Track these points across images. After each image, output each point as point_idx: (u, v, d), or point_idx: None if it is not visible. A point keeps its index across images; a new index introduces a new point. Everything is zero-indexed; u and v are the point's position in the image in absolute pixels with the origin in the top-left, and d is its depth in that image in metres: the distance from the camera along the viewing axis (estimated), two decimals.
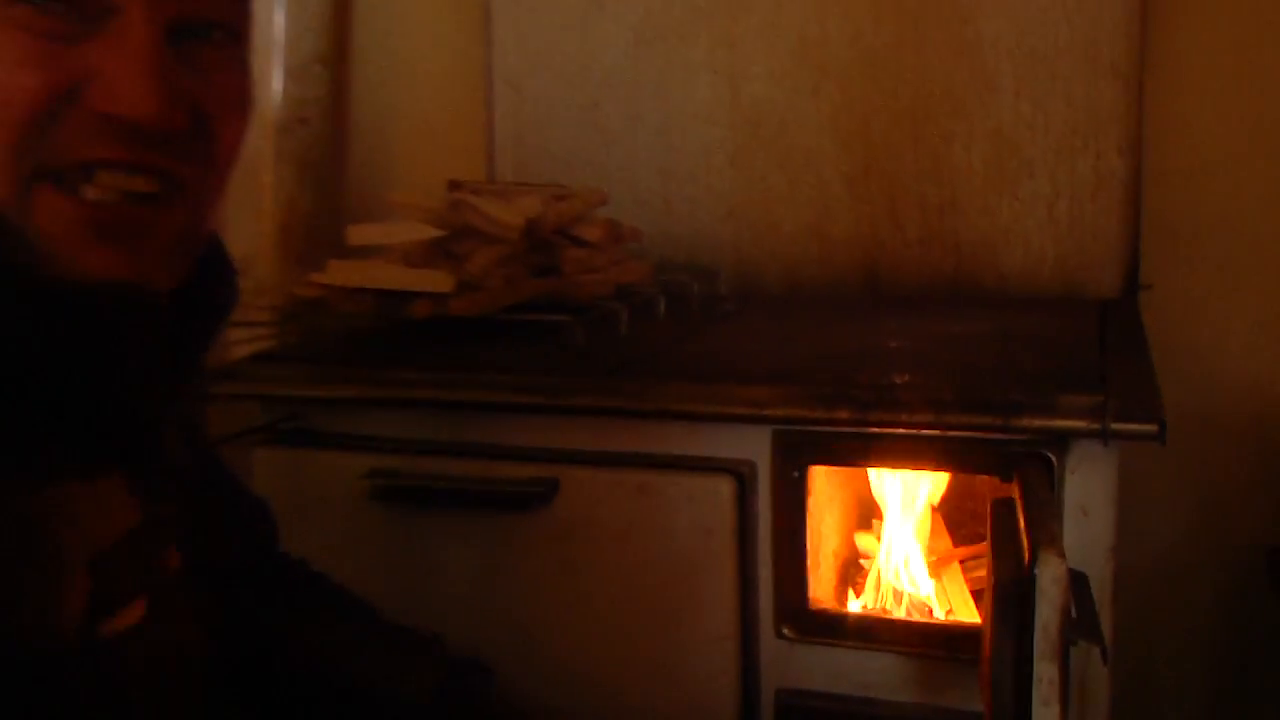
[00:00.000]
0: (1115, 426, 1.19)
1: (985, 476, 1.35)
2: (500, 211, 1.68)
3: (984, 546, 1.40)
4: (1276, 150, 1.89)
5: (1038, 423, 1.23)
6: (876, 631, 1.39)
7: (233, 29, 0.87)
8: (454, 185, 1.80)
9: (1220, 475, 1.93)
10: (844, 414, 1.31)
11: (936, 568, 1.53)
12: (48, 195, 0.80)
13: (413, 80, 2.48)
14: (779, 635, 1.40)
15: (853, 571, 1.58)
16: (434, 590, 1.50)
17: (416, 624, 1.29)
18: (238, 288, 1.02)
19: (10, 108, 0.77)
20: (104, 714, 0.85)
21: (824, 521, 1.47)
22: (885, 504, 1.53)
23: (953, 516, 1.61)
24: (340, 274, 1.69)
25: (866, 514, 1.60)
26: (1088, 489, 1.27)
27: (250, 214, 2.23)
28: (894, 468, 1.46)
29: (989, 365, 1.46)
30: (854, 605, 1.52)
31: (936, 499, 1.54)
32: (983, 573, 1.43)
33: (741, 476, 1.39)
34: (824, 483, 1.46)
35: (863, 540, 1.56)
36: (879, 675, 1.37)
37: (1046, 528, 1.06)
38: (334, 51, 2.34)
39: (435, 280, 1.61)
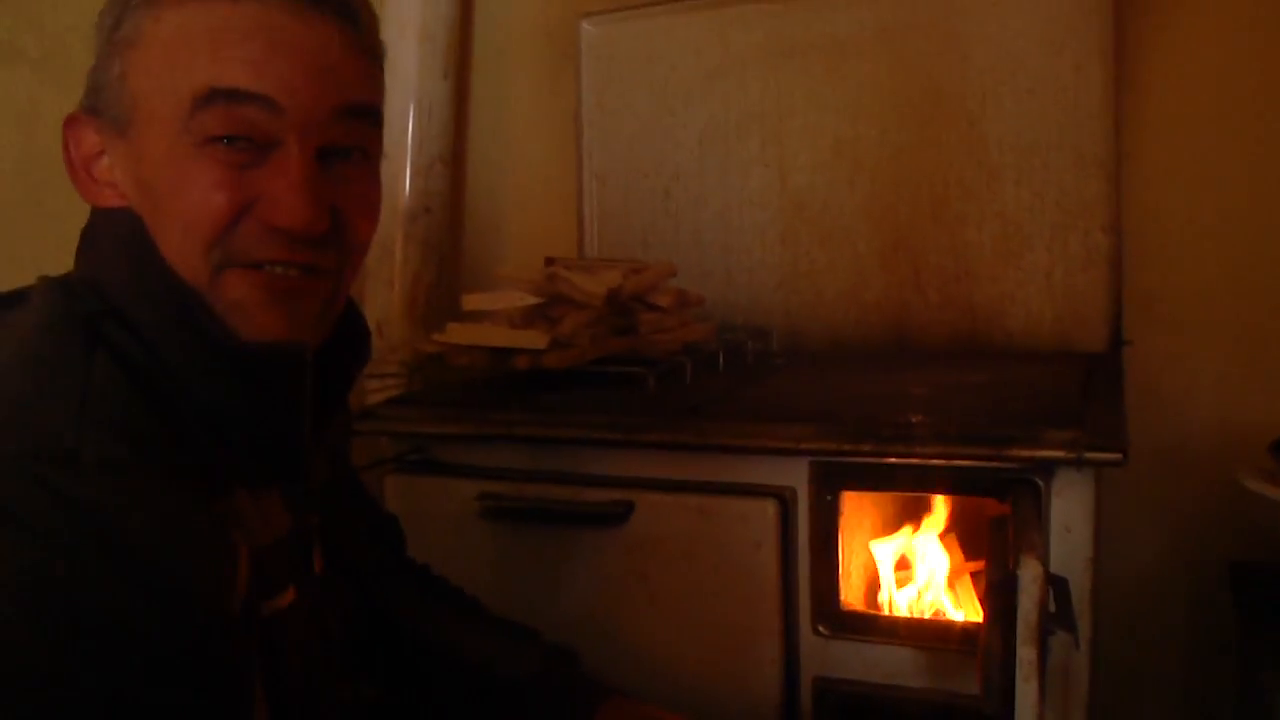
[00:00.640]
0: (1088, 455, 1.20)
1: (986, 499, 1.35)
2: (587, 282, 1.70)
3: None
4: (1236, 231, 1.89)
5: (1025, 453, 1.24)
6: (898, 629, 1.38)
7: (367, 151, 0.94)
8: (549, 261, 1.82)
9: (1190, 501, 1.92)
10: (868, 447, 1.33)
11: (951, 578, 1.52)
12: (235, 274, 0.88)
13: (516, 175, 2.49)
14: (815, 632, 1.40)
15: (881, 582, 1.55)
16: (531, 592, 1.51)
17: (517, 619, 1.32)
18: (371, 345, 1.08)
19: (206, 219, 0.86)
20: (265, 675, 0.90)
21: (854, 537, 1.47)
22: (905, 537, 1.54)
23: (966, 537, 1.59)
24: (457, 334, 1.71)
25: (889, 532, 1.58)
26: (1069, 509, 1.27)
27: (384, 286, 2.23)
28: (911, 492, 1.46)
29: (989, 407, 1.46)
30: (880, 607, 1.51)
31: (941, 525, 1.54)
32: None
33: (784, 500, 1.40)
34: (855, 506, 1.46)
35: (878, 549, 1.54)
36: (900, 665, 1.36)
37: (1029, 538, 1.08)
38: (452, 153, 2.36)
39: (534, 339, 1.63)
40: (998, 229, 1.99)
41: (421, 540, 1.37)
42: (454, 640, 1.26)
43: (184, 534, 0.79)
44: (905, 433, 1.32)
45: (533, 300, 1.71)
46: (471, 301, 1.78)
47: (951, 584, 1.53)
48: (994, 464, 1.28)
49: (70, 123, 0.94)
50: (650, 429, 1.46)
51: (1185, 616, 1.96)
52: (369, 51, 0.94)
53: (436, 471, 1.61)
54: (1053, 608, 1.09)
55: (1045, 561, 1.07)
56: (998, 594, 1.08)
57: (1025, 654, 1.01)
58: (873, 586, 1.53)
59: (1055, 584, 1.15)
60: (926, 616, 1.48)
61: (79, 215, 0.97)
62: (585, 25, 2.32)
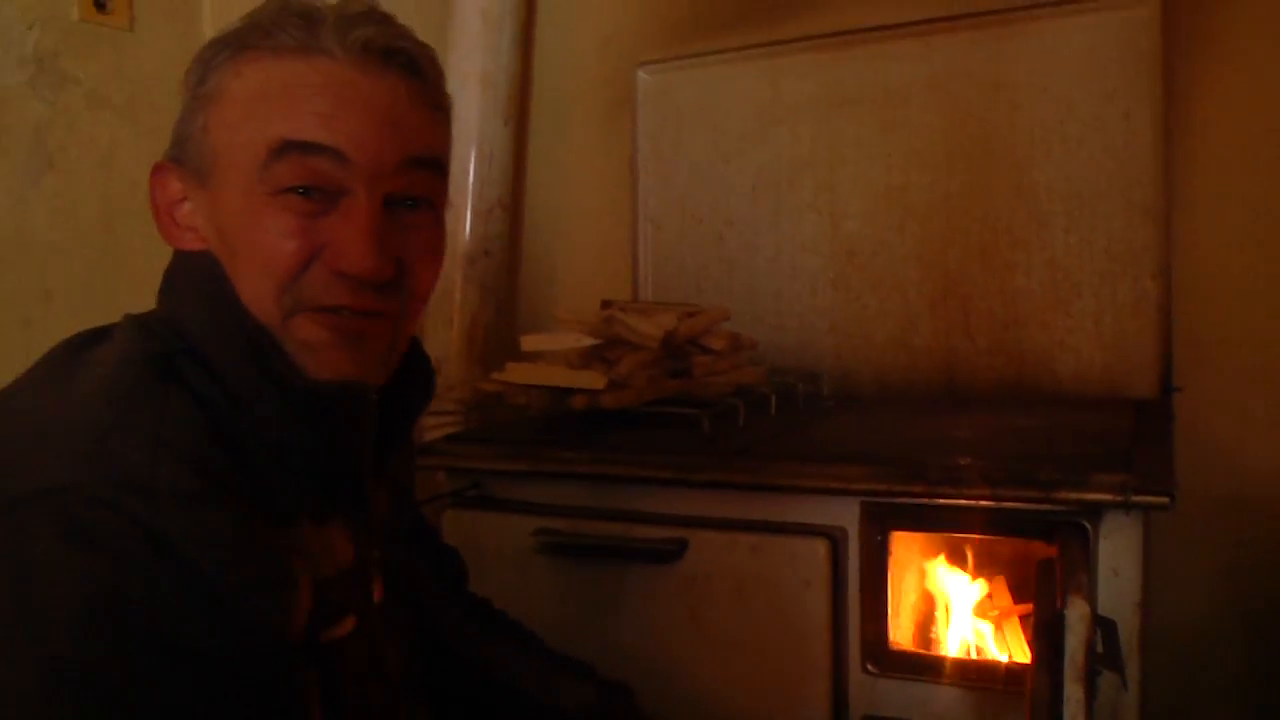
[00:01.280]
0: (1135, 498, 1.21)
1: (1034, 542, 1.35)
2: (643, 325, 1.72)
3: None
4: None
5: (1073, 495, 1.25)
6: (946, 668, 1.39)
7: (432, 200, 0.98)
8: (605, 304, 1.83)
9: (1245, 547, 1.89)
10: (918, 488, 1.34)
11: (999, 620, 1.52)
12: (301, 320, 0.92)
13: (572, 219, 2.53)
14: (864, 670, 1.40)
15: (930, 623, 1.56)
16: (585, 626, 1.52)
17: (572, 653, 1.32)
18: (434, 383, 1.11)
19: (278, 264, 0.90)
20: (323, 701, 0.93)
21: (903, 579, 1.47)
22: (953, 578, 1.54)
23: (1015, 580, 1.57)
24: (516, 373, 1.73)
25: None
26: (1117, 552, 1.27)
27: (443, 326, 2.26)
28: (960, 533, 1.46)
29: (1038, 451, 1.45)
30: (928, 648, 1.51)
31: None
32: None
33: (835, 539, 1.41)
34: (903, 546, 1.46)
35: (934, 585, 1.56)
36: (948, 705, 1.36)
37: (1077, 578, 1.09)
38: (511, 197, 2.40)
39: (591, 379, 1.65)
40: (1047, 276, 2.00)
41: (477, 574, 1.39)
42: (512, 672, 1.28)
43: (250, 563, 0.82)
44: (954, 475, 1.34)
45: (590, 341, 1.74)
46: (530, 342, 1.81)
47: (1000, 626, 1.53)
48: (1042, 506, 1.29)
49: (157, 171, 0.99)
50: (704, 468, 1.48)
51: (1243, 664, 1.93)
52: (435, 104, 0.98)
53: (493, 507, 1.63)
54: (1100, 649, 1.11)
55: (1093, 602, 1.08)
56: (1045, 634, 1.10)
57: (1073, 691, 1.02)
58: (922, 626, 1.54)
59: (1103, 626, 1.17)
60: (975, 658, 1.48)
61: (153, 255, 1.01)
62: (641, 74, 2.36)
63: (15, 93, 1.89)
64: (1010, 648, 1.51)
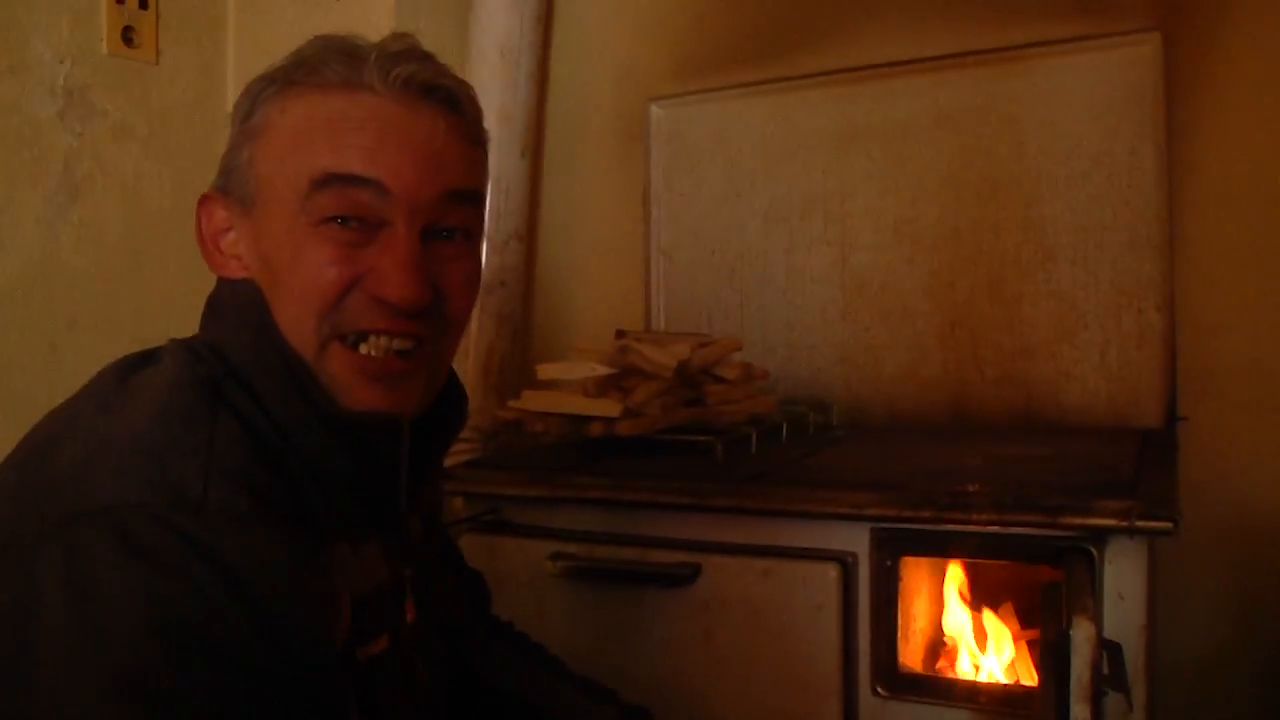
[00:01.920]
0: (1139, 524, 1.23)
1: (1040, 567, 1.37)
2: (658, 355, 1.75)
3: None
4: None
5: (1079, 521, 1.27)
6: (954, 691, 1.41)
7: (469, 231, 1.01)
8: (620, 333, 1.84)
9: (1251, 579, 1.90)
10: (927, 514, 1.36)
11: (1006, 645, 1.54)
12: (337, 350, 0.95)
13: (586, 250, 2.55)
14: (874, 693, 1.42)
15: (939, 647, 1.58)
16: (599, 648, 1.53)
17: (587, 675, 1.33)
18: (467, 411, 1.13)
19: (318, 292, 0.93)
20: (359, 716, 0.93)
21: (913, 603, 1.49)
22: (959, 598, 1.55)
23: (1021, 605, 1.61)
24: (532, 401, 1.76)
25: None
26: (1123, 577, 1.29)
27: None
28: (968, 558, 1.48)
29: (1045, 478, 1.46)
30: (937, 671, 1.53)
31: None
32: None
33: (846, 564, 1.42)
34: (913, 572, 1.48)
35: (947, 621, 1.58)
36: None
37: (1083, 601, 1.12)
38: (527, 229, 2.42)
39: (607, 407, 1.67)
40: (1053, 307, 2.03)
41: (494, 597, 1.40)
42: (535, 694, 1.30)
43: (296, 579, 0.84)
44: (963, 501, 1.36)
45: (606, 370, 1.74)
46: (546, 371, 1.84)
47: (1006, 652, 1.55)
48: (1048, 532, 1.31)
49: (204, 201, 1.02)
50: (718, 494, 1.50)
51: (1252, 692, 1.93)
52: (473, 139, 1.01)
53: (510, 532, 1.65)
54: (1106, 670, 1.13)
55: (1099, 624, 1.11)
56: (1052, 655, 1.12)
57: (1079, 712, 1.05)
58: (931, 649, 1.56)
59: (1109, 649, 1.18)
60: (982, 681, 1.50)
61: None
62: (655, 108, 2.41)
63: (46, 124, 1.94)
64: (1015, 671, 1.53)
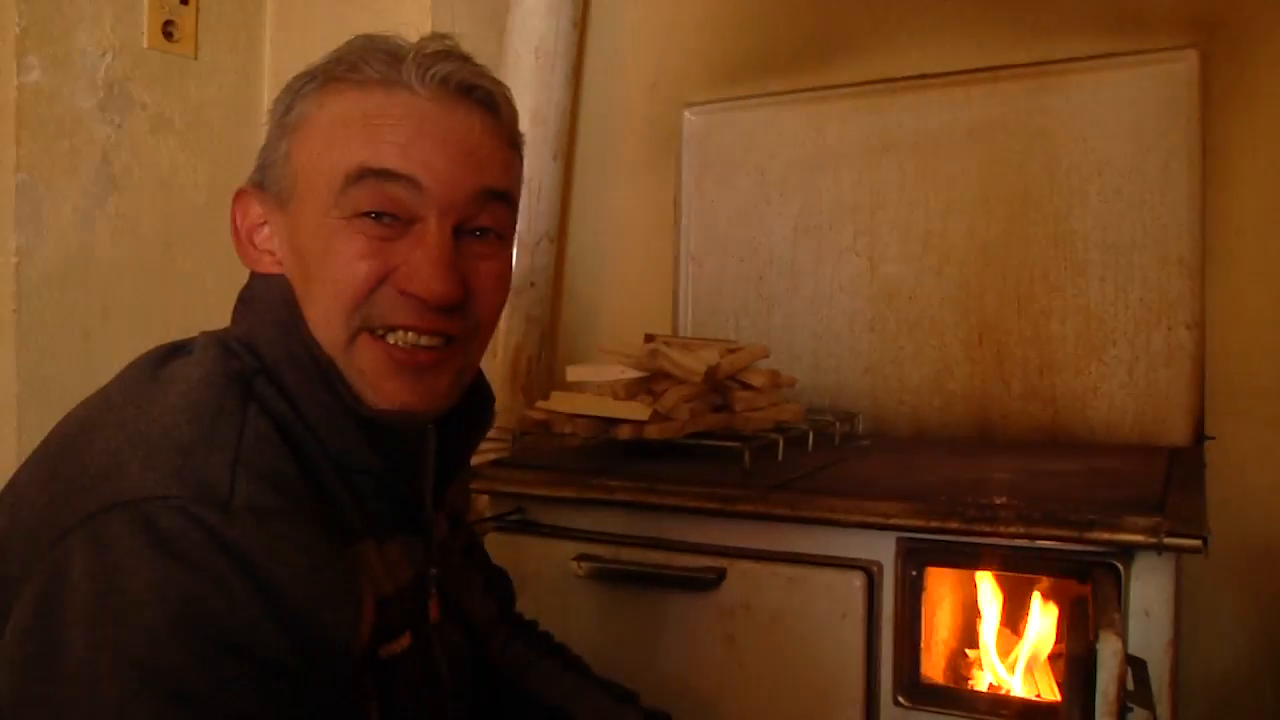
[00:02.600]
0: (1167, 541, 1.23)
1: (1067, 580, 1.38)
2: (687, 360, 1.75)
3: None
4: None
5: (1106, 536, 1.27)
6: (976, 703, 1.41)
7: (501, 231, 1.01)
8: (649, 338, 1.85)
9: (1276, 598, 1.89)
10: (954, 525, 1.36)
11: (1030, 660, 1.52)
12: (365, 341, 0.95)
13: (615, 254, 2.56)
14: (896, 703, 1.42)
15: (962, 660, 1.58)
16: (622, 650, 1.54)
17: (610, 677, 1.34)
18: (494, 411, 1.14)
19: (349, 285, 0.94)
20: (380, 714, 0.95)
21: (936, 614, 1.49)
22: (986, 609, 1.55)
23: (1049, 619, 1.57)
24: (561, 403, 1.76)
25: (971, 614, 1.59)
26: (1149, 594, 1.29)
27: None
28: (994, 571, 1.47)
29: (1072, 493, 1.47)
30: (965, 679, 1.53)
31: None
32: None
33: (871, 573, 1.43)
34: (938, 583, 1.48)
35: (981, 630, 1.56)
36: None
37: (1109, 615, 1.11)
38: (557, 231, 2.43)
39: (635, 410, 1.67)
40: (1081, 323, 2.03)
41: (518, 596, 1.41)
42: (557, 695, 1.30)
43: (321, 577, 0.84)
44: (990, 513, 1.36)
45: (635, 374, 1.76)
46: (575, 373, 1.84)
47: (1030, 667, 1.54)
48: (1076, 546, 1.31)
49: (239, 195, 1.03)
50: (744, 500, 1.50)
51: (1276, 712, 1.92)
52: (508, 139, 1.02)
53: (535, 532, 1.66)
54: (1131, 687, 1.13)
55: (1124, 639, 1.10)
56: (1077, 669, 1.12)
57: None
58: (953, 661, 1.56)
59: (1134, 665, 1.19)
60: (1003, 693, 1.50)
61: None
62: (687, 115, 2.42)
63: (87, 115, 1.96)
64: (1037, 685, 1.53)
